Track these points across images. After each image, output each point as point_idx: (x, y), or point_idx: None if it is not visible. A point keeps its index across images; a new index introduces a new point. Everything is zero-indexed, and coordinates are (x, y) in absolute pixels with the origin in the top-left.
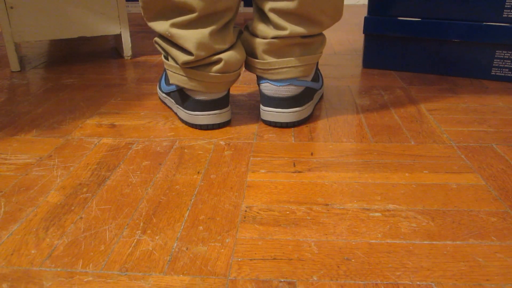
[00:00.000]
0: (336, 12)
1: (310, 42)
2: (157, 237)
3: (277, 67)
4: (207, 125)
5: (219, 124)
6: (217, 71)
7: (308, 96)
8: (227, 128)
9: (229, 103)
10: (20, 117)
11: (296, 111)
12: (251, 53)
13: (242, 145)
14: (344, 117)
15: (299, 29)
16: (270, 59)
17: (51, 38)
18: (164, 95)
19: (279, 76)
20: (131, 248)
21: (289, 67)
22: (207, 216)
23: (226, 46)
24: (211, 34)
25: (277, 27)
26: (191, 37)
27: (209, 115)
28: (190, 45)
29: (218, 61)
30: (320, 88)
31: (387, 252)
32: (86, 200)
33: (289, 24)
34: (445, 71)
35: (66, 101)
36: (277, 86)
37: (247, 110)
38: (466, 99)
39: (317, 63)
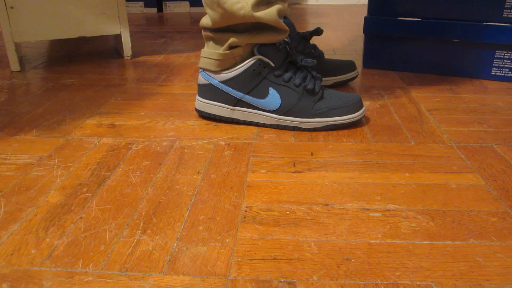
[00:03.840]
0: (216, 5)
1: (214, 37)
2: (157, 237)
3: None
4: None
5: None
6: None
7: (214, 95)
8: (227, 128)
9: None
10: (20, 117)
11: (197, 100)
12: None
13: (242, 145)
14: None
15: (203, 21)
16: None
17: (51, 38)
18: None
19: None
20: (131, 248)
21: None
22: (207, 216)
23: None
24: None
25: None
26: None
27: None
28: None
29: None
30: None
31: (387, 252)
32: (86, 200)
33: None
34: (445, 71)
35: (66, 101)
36: None
37: None
38: (466, 99)
39: (287, 84)
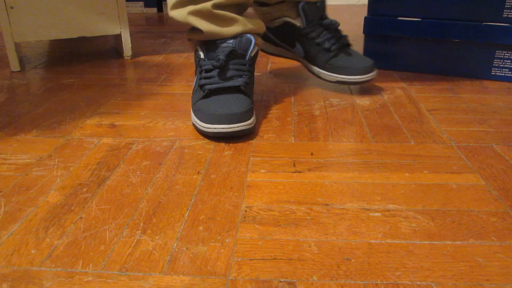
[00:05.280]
0: None
1: None
2: (157, 237)
3: None
4: None
5: None
6: None
7: None
8: None
9: None
10: (20, 117)
11: None
12: None
13: (242, 145)
14: (344, 117)
15: None
16: None
17: (51, 38)
18: None
19: None
20: (131, 248)
21: None
22: (207, 216)
23: None
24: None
25: None
26: None
27: None
28: None
29: None
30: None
31: (387, 252)
32: (86, 200)
33: None
34: (445, 71)
35: (66, 101)
36: None
37: None
38: (466, 99)
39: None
